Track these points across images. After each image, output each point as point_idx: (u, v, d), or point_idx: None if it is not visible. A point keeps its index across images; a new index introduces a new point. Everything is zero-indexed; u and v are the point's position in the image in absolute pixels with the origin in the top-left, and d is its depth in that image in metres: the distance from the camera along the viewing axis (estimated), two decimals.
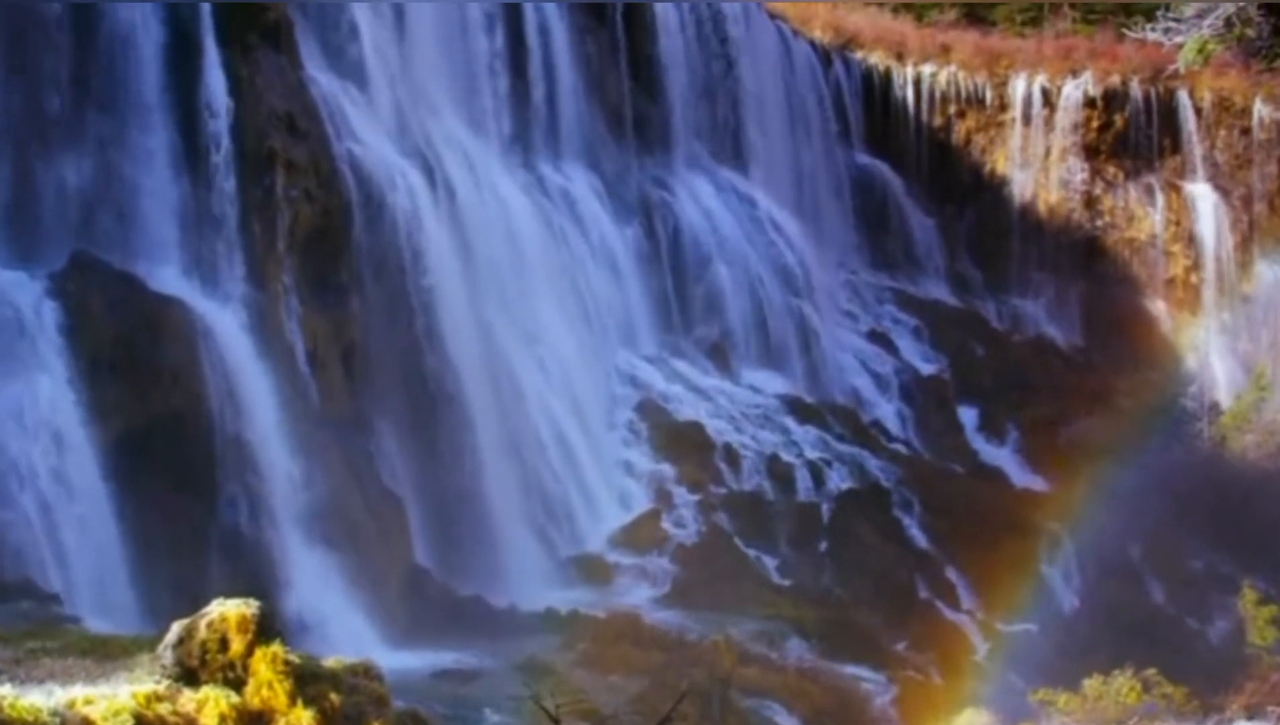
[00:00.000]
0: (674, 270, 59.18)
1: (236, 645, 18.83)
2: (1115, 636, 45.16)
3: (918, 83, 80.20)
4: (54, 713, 17.47)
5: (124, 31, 33.75)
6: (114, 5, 33.71)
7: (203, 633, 18.92)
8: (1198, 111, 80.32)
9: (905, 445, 59.31)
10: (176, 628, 19.18)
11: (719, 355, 58.25)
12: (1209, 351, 77.05)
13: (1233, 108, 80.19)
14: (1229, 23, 15.79)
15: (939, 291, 76.92)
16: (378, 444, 38.53)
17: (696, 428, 51.46)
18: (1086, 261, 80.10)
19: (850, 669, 39.79)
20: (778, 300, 61.84)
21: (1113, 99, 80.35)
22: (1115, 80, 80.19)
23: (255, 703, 18.65)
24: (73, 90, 33.09)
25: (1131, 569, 52.83)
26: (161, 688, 18.49)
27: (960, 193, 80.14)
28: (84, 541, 29.40)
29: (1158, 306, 79.67)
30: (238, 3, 35.96)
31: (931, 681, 41.74)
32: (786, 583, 45.38)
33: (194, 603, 19.92)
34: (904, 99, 79.86)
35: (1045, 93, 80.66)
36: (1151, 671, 35.13)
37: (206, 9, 35.06)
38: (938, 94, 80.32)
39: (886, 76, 79.89)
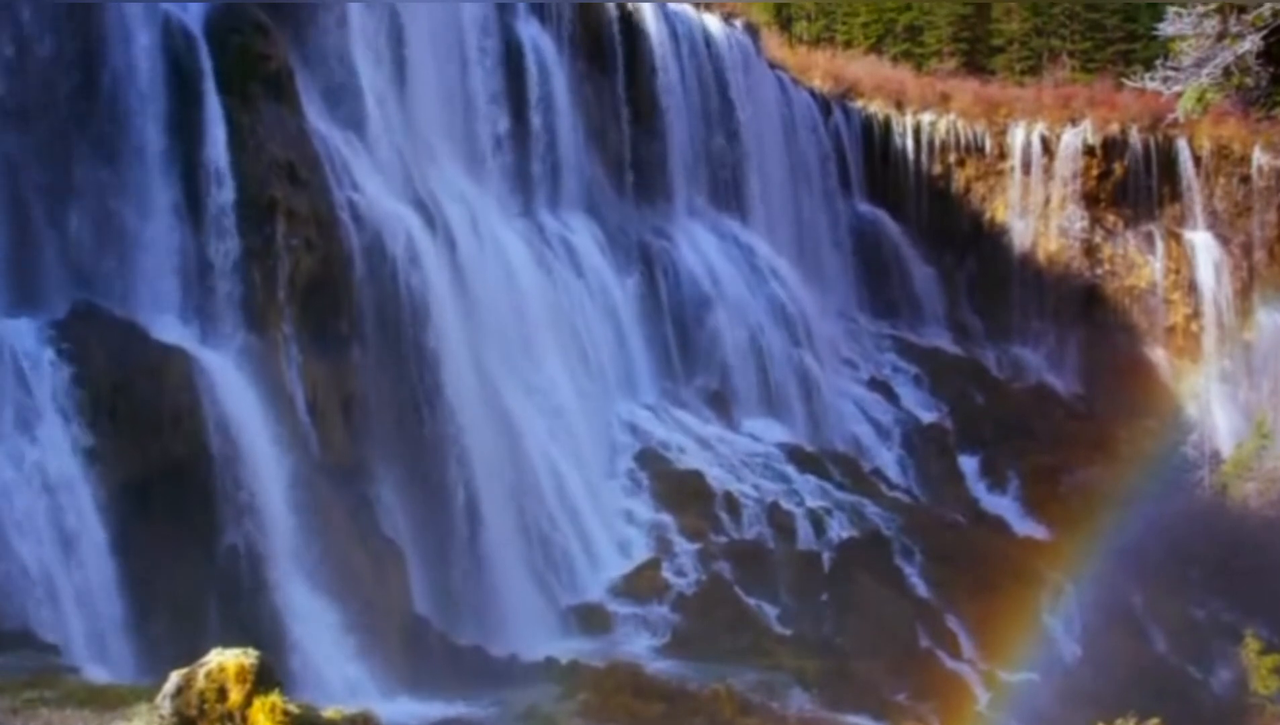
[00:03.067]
0: (674, 319, 59.24)
1: (235, 695, 18.75)
2: (1117, 685, 44.96)
3: (917, 131, 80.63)
4: None
5: (125, 80, 33.85)
6: (117, 52, 33.82)
7: (201, 682, 18.85)
8: (1197, 160, 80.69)
9: (906, 493, 59.28)
10: (175, 677, 19.11)
11: (719, 404, 58.25)
12: (1210, 399, 77.18)
13: (1232, 156, 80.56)
14: (1227, 72, 15.86)
15: (939, 339, 77.13)
16: (377, 493, 38.45)
17: (697, 476, 51.41)
18: (1086, 309, 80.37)
19: (851, 719, 39.55)
20: (778, 348, 61.90)
21: (1112, 147, 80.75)
22: (1114, 129, 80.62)
23: None
24: (74, 138, 33.15)
25: (1133, 618, 52.67)
26: None
27: (960, 241, 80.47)
28: (82, 590, 29.28)
29: (1158, 354, 79.86)
30: (239, 51, 36.07)
31: None
32: (787, 632, 45.23)
33: (193, 652, 19.85)
34: (903, 147, 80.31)
35: (1044, 141, 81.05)
36: (1154, 721, 34.92)
37: (207, 57, 35.17)
38: (937, 142, 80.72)
39: (886, 125, 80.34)
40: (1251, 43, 15.65)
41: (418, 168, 44.70)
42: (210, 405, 32.64)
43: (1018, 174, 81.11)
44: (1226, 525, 58.97)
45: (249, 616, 31.45)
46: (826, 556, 49.82)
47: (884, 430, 65.45)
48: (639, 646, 41.99)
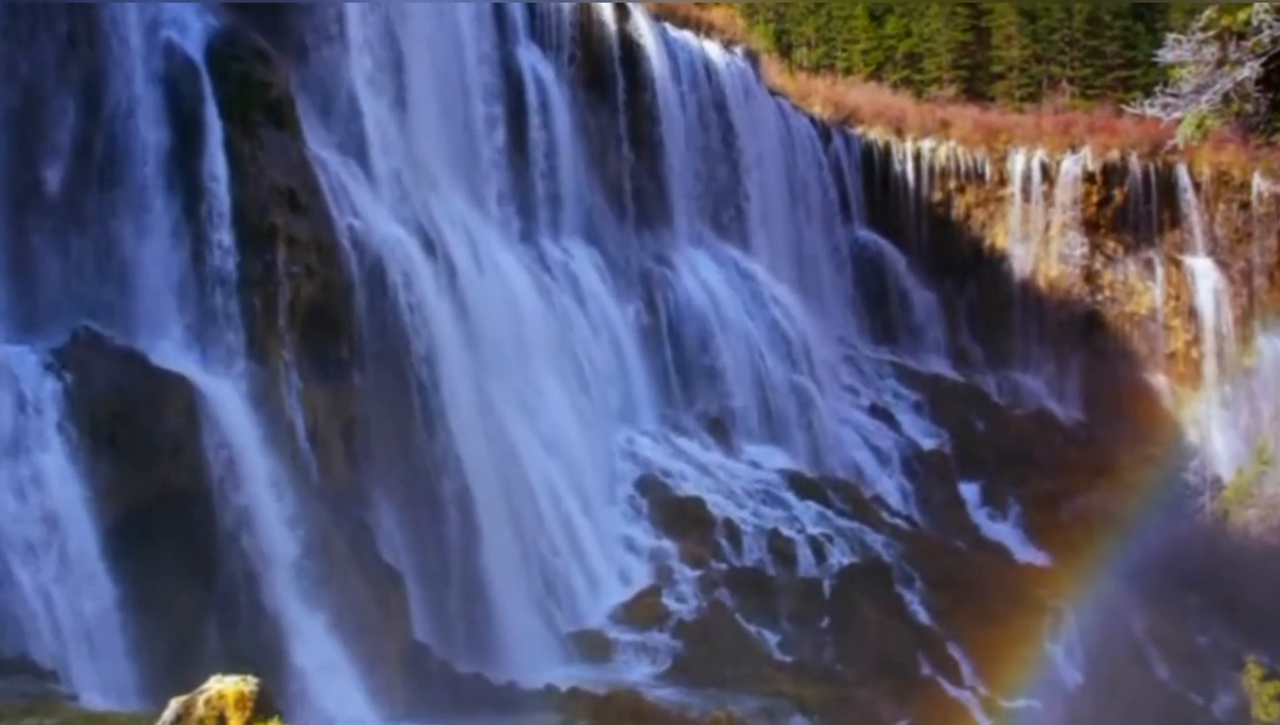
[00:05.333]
0: (675, 346, 59.26)
1: (234, 722, 18.69)
2: (1119, 712, 44.94)
3: (917, 158, 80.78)
4: None
5: (127, 106, 33.90)
6: (118, 79, 33.88)
7: (200, 710, 18.78)
8: (1197, 186, 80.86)
9: (907, 520, 59.22)
10: (174, 704, 19.04)
11: (720, 430, 58.23)
12: (1210, 425, 77.22)
13: (1232, 182, 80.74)
14: (1227, 98, 15.88)
15: (939, 366, 77.17)
16: (377, 519, 38.39)
17: (697, 503, 51.37)
18: (1087, 336, 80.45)
19: None
20: (778, 375, 61.90)
21: (1112, 174, 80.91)
22: (1114, 155, 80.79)
23: None
24: (75, 165, 33.17)
25: (1135, 644, 52.61)
26: None
27: (960, 267, 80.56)
28: (82, 617, 29.22)
29: (1159, 380, 79.92)
30: (240, 78, 36.13)
31: None
32: (788, 659, 45.14)
33: (192, 679, 19.78)
34: (903, 174, 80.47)
35: (1044, 168, 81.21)
36: None
37: (208, 84, 35.23)
38: (937, 169, 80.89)
39: (886, 152, 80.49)
40: (1251, 69, 15.67)
41: (418, 194, 44.74)
42: (210, 432, 32.62)
43: (1018, 200, 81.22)
44: (1228, 551, 58.96)
45: (248, 643, 31.37)
46: (827, 583, 49.74)
47: (884, 457, 65.39)
48: (639, 674, 41.91)
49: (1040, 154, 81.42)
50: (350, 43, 42.69)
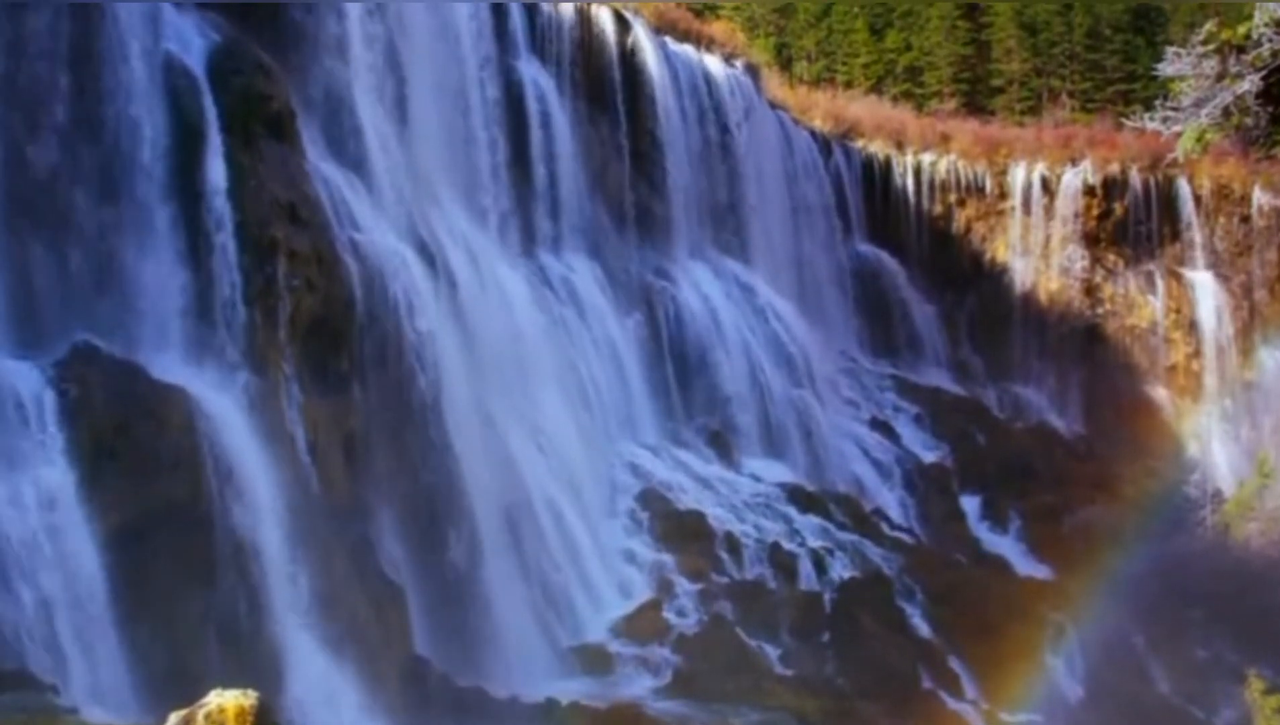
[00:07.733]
0: (675, 359, 59.25)
1: None
2: None
3: (918, 171, 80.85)
4: None
5: (127, 119, 33.87)
6: (118, 93, 33.86)
7: (200, 723, 18.76)
8: (1197, 199, 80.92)
9: (908, 534, 59.19)
10: (174, 719, 19.03)
11: (720, 444, 58.21)
12: (1211, 438, 77.21)
13: (1232, 195, 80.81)
14: (1227, 111, 15.86)
15: (940, 379, 77.17)
16: (378, 533, 38.35)
17: (698, 516, 51.31)
18: (1087, 349, 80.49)
19: None
20: (779, 389, 61.88)
21: (1112, 187, 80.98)
22: (1114, 168, 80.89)
23: None
24: (75, 178, 33.17)
25: (1136, 658, 52.56)
26: None
27: (961, 280, 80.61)
28: (81, 630, 29.18)
29: (1159, 393, 79.92)
30: (241, 91, 36.12)
31: None
32: (789, 673, 45.07)
33: (191, 693, 19.76)
34: (904, 187, 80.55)
35: (1045, 181, 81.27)
36: None
37: (209, 97, 35.21)
38: (938, 182, 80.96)
39: (886, 165, 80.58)
40: (1251, 83, 15.66)
41: (419, 208, 44.74)
42: (210, 445, 32.56)
43: (1018, 214, 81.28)
44: (1229, 565, 58.88)
45: (248, 657, 31.33)
46: (828, 597, 49.70)
47: (885, 470, 65.38)
48: (640, 687, 41.84)
49: (1040, 167, 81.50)
50: (351, 56, 42.69)
